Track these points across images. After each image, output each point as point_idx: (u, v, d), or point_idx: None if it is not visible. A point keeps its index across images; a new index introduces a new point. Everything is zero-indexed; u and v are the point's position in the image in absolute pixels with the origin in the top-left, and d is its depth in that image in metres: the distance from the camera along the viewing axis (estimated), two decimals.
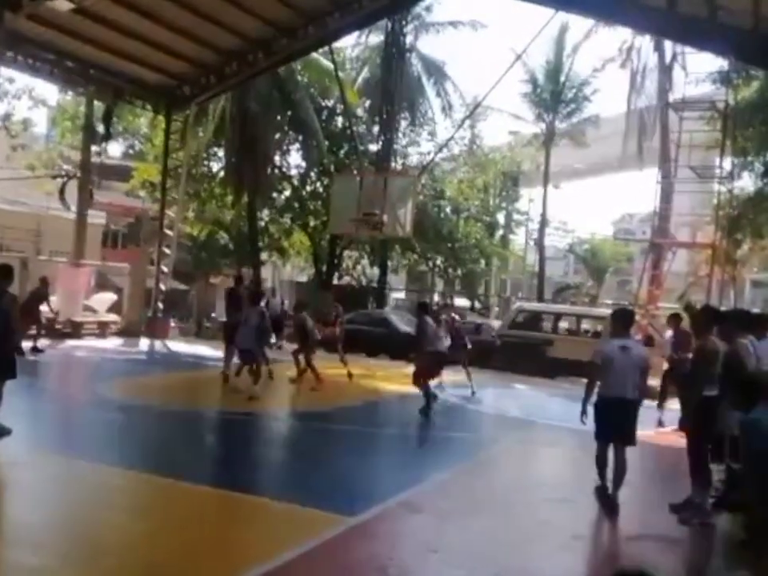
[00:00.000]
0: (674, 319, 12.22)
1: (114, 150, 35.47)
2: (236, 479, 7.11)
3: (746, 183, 25.14)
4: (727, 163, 20.12)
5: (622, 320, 7.09)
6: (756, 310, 18.32)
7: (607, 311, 24.55)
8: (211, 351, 17.67)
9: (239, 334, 12.21)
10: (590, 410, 6.81)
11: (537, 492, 7.53)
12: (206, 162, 28.29)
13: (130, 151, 37.43)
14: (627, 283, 53.70)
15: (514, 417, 11.64)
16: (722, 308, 18.47)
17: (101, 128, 25.18)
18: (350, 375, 14.65)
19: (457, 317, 15.68)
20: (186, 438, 9.19)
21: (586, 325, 21.50)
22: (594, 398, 6.84)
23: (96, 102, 24.18)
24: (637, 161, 31.30)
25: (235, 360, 12.92)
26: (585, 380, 14.33)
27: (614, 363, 6.65)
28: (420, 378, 11.42)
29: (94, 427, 9.47)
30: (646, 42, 27.42)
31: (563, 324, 21.59)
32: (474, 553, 5.53)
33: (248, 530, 5.80)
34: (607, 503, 6.76)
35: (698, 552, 6.23)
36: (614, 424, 6.69)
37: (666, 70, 25.14)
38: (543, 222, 34.79)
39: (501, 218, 39.90)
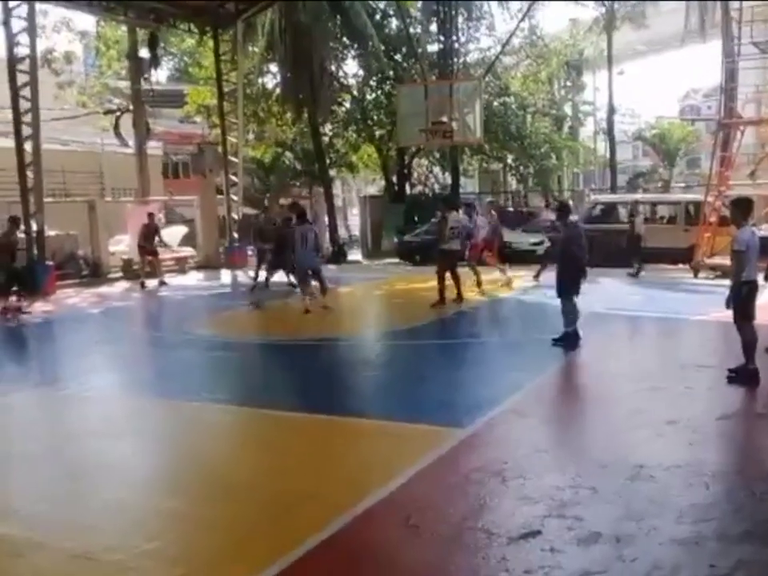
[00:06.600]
0: None
1: (160, 74, 34.47)
2: (344, 404, 7.36)
3: None
4: None
5: (748, 209, 7.46)
6: None
7: (682, 196, 24.24)
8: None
9: (302, 256, 12.53)
10: None
11: (627, 384, 7.75)
12: (260, 80, 27.31)
13: (176, 73, 36.57)
14: (697, 161, 52.63)
15: (596, 312, 11.40)
16: None
17: (146, 55, 24.38)
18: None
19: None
20: (287, 369, 9.10)
21: (661, 211, 21.35)
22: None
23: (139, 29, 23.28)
24: (699, 35, 30.26)
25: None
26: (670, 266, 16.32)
27: (750, 250, 7.16)
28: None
29: (198, 367, 9.50)
30: None
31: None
32: (580, 449, 5.91)
33: (366, 452, 5.98)
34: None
35: None
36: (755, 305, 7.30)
37: None
38: (611, 110, 33.02)
39: (568, 110, 38.62)
